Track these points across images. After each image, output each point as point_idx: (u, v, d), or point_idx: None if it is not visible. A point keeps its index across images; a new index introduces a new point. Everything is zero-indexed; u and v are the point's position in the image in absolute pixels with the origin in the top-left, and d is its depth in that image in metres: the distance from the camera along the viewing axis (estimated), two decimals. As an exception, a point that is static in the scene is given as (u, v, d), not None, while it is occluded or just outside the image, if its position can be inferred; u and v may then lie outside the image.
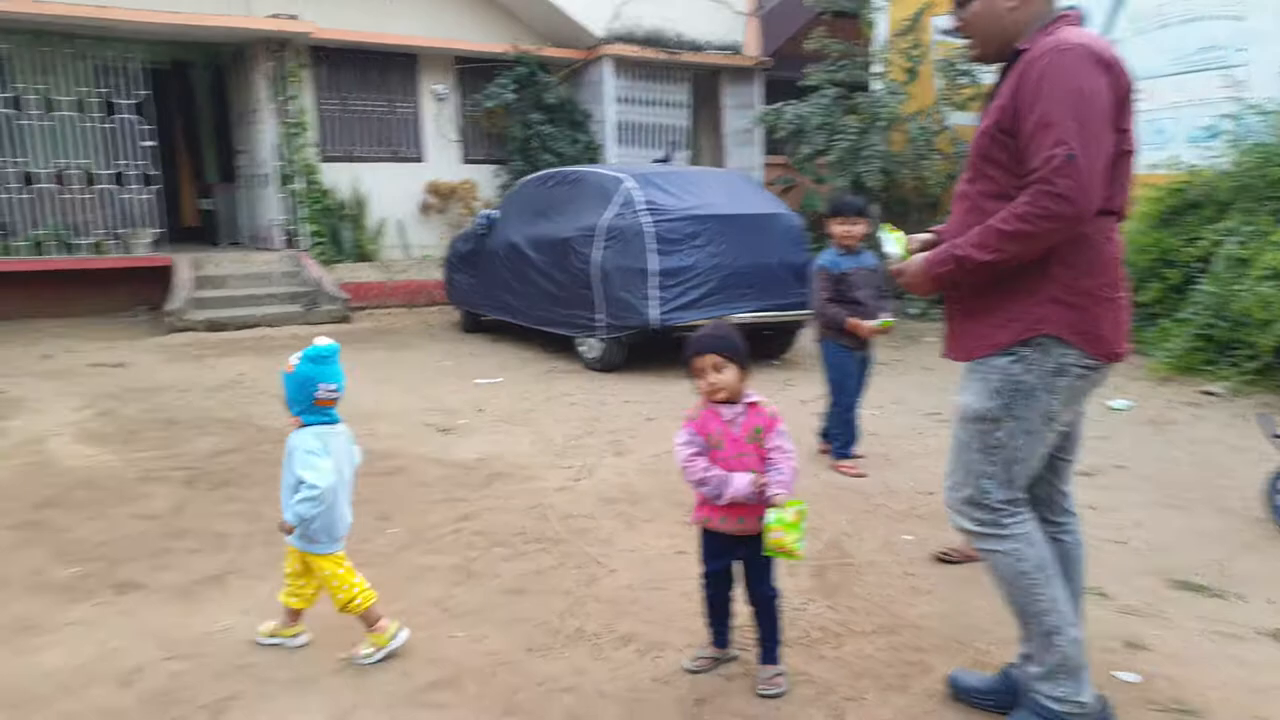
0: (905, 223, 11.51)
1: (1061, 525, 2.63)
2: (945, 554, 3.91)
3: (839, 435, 5.13)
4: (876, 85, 11.15)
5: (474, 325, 9.70)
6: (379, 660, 3.00)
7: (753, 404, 2.75)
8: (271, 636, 3.11)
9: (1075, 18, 2.38)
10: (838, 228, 4.99)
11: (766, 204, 8.00)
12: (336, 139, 11.82)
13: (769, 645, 2.90)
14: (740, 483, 2.64)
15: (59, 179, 9.94)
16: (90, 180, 10.05)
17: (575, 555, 3.93)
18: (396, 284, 11.28)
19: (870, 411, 6.34)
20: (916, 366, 8.03)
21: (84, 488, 4.70)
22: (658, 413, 6.41)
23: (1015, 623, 2.57)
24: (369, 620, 3.04)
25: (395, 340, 9.37)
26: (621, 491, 4.75)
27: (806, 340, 8.45)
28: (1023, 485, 2.47)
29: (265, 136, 11.09)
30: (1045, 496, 2.61)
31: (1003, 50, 2.42)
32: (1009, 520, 2.46)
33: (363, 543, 4.01)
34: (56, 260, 9.80)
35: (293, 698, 2.80)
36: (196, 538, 4.05)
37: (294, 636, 3.13)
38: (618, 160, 12.38)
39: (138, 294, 10.24)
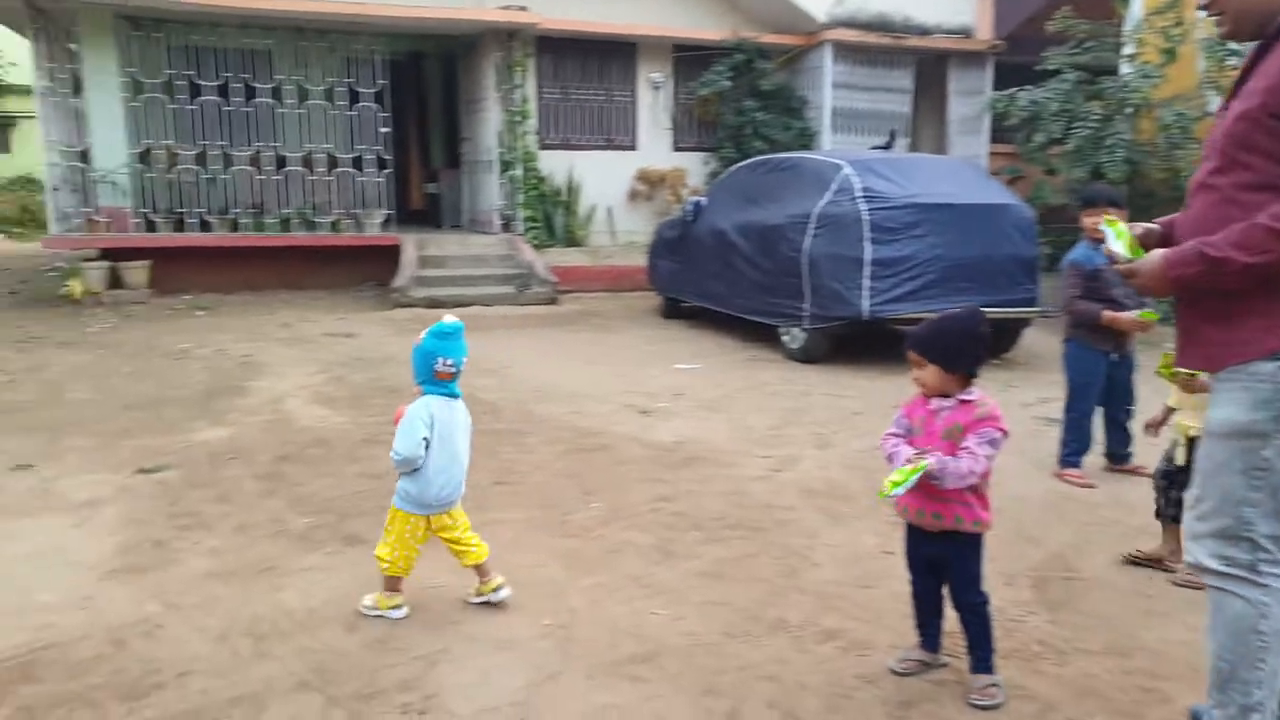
0: (1150, 217, 10.42)
1: None
2: (1135, 555, 3.66)
3: (1071, 441, 4.76)
4: (1126, 68, 10.24)
5: (674, 311, 9.75)
6: (372, 616, 3.09)
7: (965, 402, 2.63)
8: (479, 595, 3.21)
9: None
10: (1089, 220, 4.62)
11: (995, 194, 7.52)
12: (555, 127, 12.23)
13: (979, 654, 2.73)
14: (906, 453, 2.62)
15: (306, 162, 10.89)
16: (333, 164, 10.93)
17: (776, 545, 3.83)
18: (602, 269, 11.53)
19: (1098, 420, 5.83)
20: (1150, 370, 7.30)
21: (317, 446, 5.09)
22: (864, 407, 6.16)
23: (1211, 675, 2.23)
24: (386, 585, 3.14)
25: (599, 323, 9.58)
26: (825, 485, 4.60)
27: (1032, 340, 7.91)
28: None
29: (489, 124, 11.64)
30: None
31: (1261, 27, 2.13)
32: (1268, 566, 2.12)
33: (567, 514, 4.12)
34: (300, 237, 10.77)
35: (498, 656, 2.88)
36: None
37: (495, 590, 3.19)
38: (832, 148, 12.06)
39: (367, 271, 11.05)
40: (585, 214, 12.31)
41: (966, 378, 2.66)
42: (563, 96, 12.22)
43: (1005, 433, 2.61)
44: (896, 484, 2.53)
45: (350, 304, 10.37)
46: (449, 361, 3.05)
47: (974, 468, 2.54)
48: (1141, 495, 4.43)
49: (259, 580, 3.39)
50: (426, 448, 3.02)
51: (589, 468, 4.78)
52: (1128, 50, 10.35)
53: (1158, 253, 2.25)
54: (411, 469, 3.03)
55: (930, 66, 13.30)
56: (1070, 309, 4.73)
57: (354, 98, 10.81)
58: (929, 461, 2.54)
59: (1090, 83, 10.22)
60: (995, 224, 7.14)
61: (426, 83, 13.90)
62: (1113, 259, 2.39)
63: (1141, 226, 2.51)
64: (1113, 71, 10.41)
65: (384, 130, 10.95)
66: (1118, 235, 2.40)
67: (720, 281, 8.49)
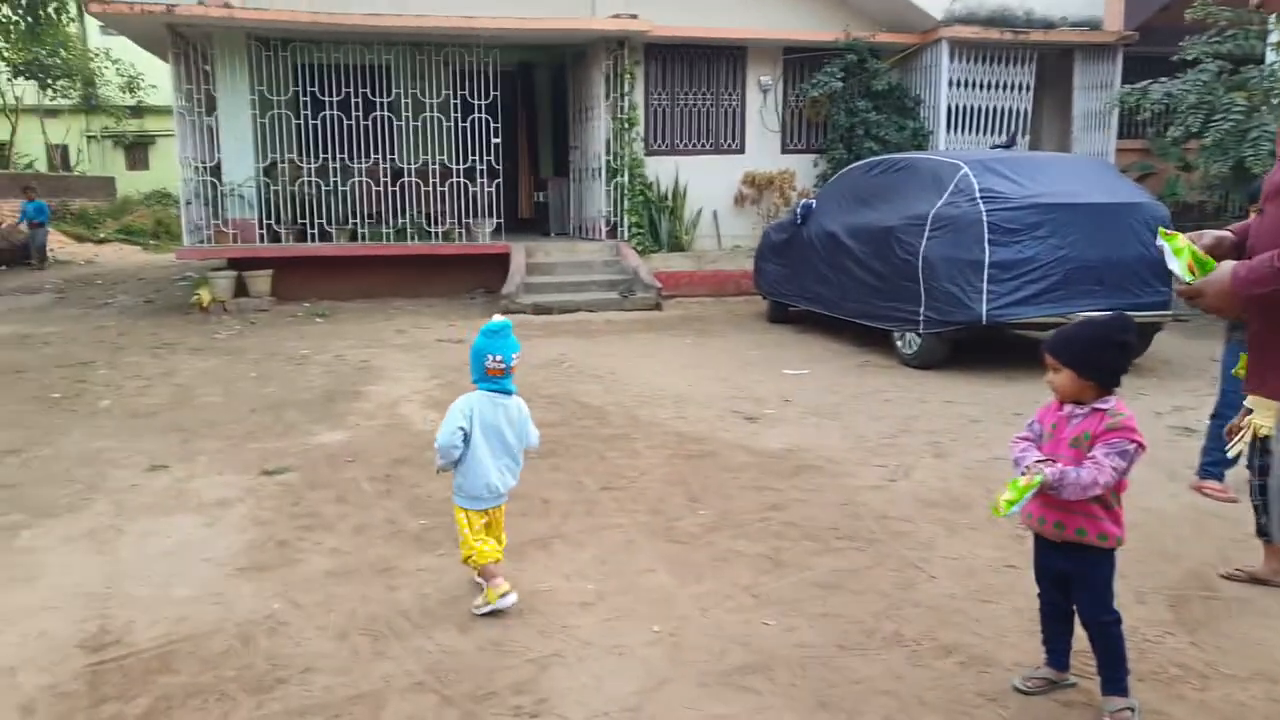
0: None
1: None
2: (1235, 573, 3.46)
3: (1213, 450, 4.43)
4: (1272, 56, 9.59)
5: (780, 316, 9.61)
6: (485, 613, 3.13)
7: (1098, 410, 2.50)
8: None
9: None
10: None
11: (1125, 192, 7.15)
12: (662, 133, 12.26)
13: (1109, 674, 2.59)
14: (1031, 458, 2.55)
15: (421, 174, 11.22)
16: (446, 174, 11.23)
17: (892, 557, 3.71)
18: (705, 274, 11.48)
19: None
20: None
21: (430, 449, 5.15)
22: (983, 415, 5.93)
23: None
24: (485, 575, 3.18)
25: (703, 328, 9.53)
26: (942, 496, 4.43)
27: (1165, 345, 7.48)
28: None
29: (598, 132, 11.75)
30: None
31: None
32: None
33: (674, 520, 4.09)
34: (414, 246, 11.11)
35: (609, 661, 2.87)
36: (524, 502, 4.31)
37: (504, 596, 3.15)
38: (947, 148, 11.70)
39: (476, 278, 11.31)
40: (690, 219, 12.28)
41: (1102, 387, 2.53)
42: (670, 102, 12.23)
43: (1141, 445, 2.46)
44: (1011, 502, 2.44)
45: (461, 311, 10.62)
46: (497, 358, 3.15)
47: (1098, 478, 2.41)
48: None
49: (376, 580, 3.47)
50: (465, 441, 3.12)
51: (695, 474, 4.74)
52: (1275, 38, 9.69)
53: (1226, 267, 2.06)
54: (450, 460, 3.16)
55: (1053, 61, 12.76)
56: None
57: (467, 109, 11.08)
58: (1046, 474, 2.43)
59: (1232, 73, 9.61)
60: (1125, 224, 6.77)
61: (536, 92, 14.15)
62: (1174, 280, 2.19)
63: (1212, 234, 2.30)
64: (1258, 60, 9.76)
65: (495, 141, 11.17)
66: (1175, 252, 2.18)
67: (830, 285, 8.33)
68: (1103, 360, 2.51)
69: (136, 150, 33.67)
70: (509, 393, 3.24)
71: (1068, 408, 2.57)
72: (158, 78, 27.07)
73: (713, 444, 5.29)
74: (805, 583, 3.47)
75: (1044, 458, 2.54)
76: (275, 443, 5.33)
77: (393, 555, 3.71)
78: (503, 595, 3.15)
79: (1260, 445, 2.74)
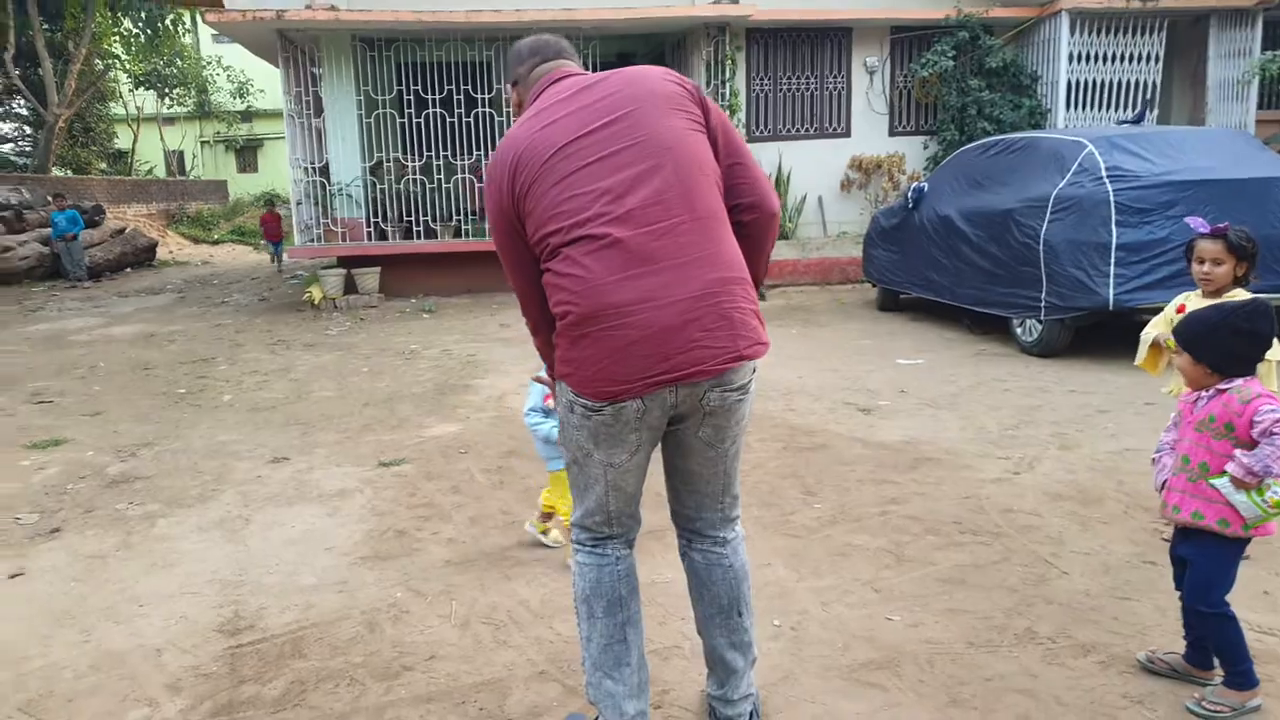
0: None
1: None
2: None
3: None
4: None
5: (891, 304, 9.35)
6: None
7: (1221, 391, 2.44)
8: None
9: None
10: None
11: (1268, 166, 6.65)
12: (764, 118, 12.07)
13: (1224, 666, 2.50)
14: (1162, 466, 2.62)
15: (523, 167, 11.28)
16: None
17: (1020, 552, 3.55)
18: (810, 261, 11.26)
19: None
20: None
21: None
22: (1110, 405, 5.63)
23: None
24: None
25: (808, 317, 9.36)
26: (1070, 489, 4.22)
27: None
28: None
29: (699, 120, 11.63)
30: None
31: None
32: None
33: (789, 514, 4.00)
34: (524, 240, 11.18)
35: (728, 654, 2.81)
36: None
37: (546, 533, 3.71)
38: (1066, 125, 11.16)
39: (584, 269, 11.37)
40: (794, 205, 12.05)
41: (1221, 374, 2.46)
42: (773, 87, 12.03)
43: (1276, 400, 2.38)
44: (1262, 515, 2.42)
45: (564, 303, 10.71)
46: None
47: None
48: None
49: (493, 569, 3.51)
50: (545, 414, 3.46)
51: (809, 467, 4.64)
52: None
53: None
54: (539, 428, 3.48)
55: (1185, 28, 12.01)
56: None
57: (566, 102, 11.13)
58: (1275, 494, 2.38)
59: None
60: (1268, 199, 6.32)
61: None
62: None
63: None
64: None
65: (599, 133, 11.20)
66: None
67: (944, 271, 8.05)
68: (1222, 346, 2.45)
69: (246, 153, 35.29)
70: None
71: (1196, 394, 2.53)
72: (266, 83, 28.32)
73: (825, 436, 5.17)
74: (929, 578, 3.35)
75: (1163, 458, 2.63)
76: (390, 435, 5.46)
77: (508, 545, 3.75)
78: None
79: None
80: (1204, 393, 2.49)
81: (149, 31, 22.25)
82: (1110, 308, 6.37)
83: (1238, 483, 2.37)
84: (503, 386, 6.65)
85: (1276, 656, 2.72)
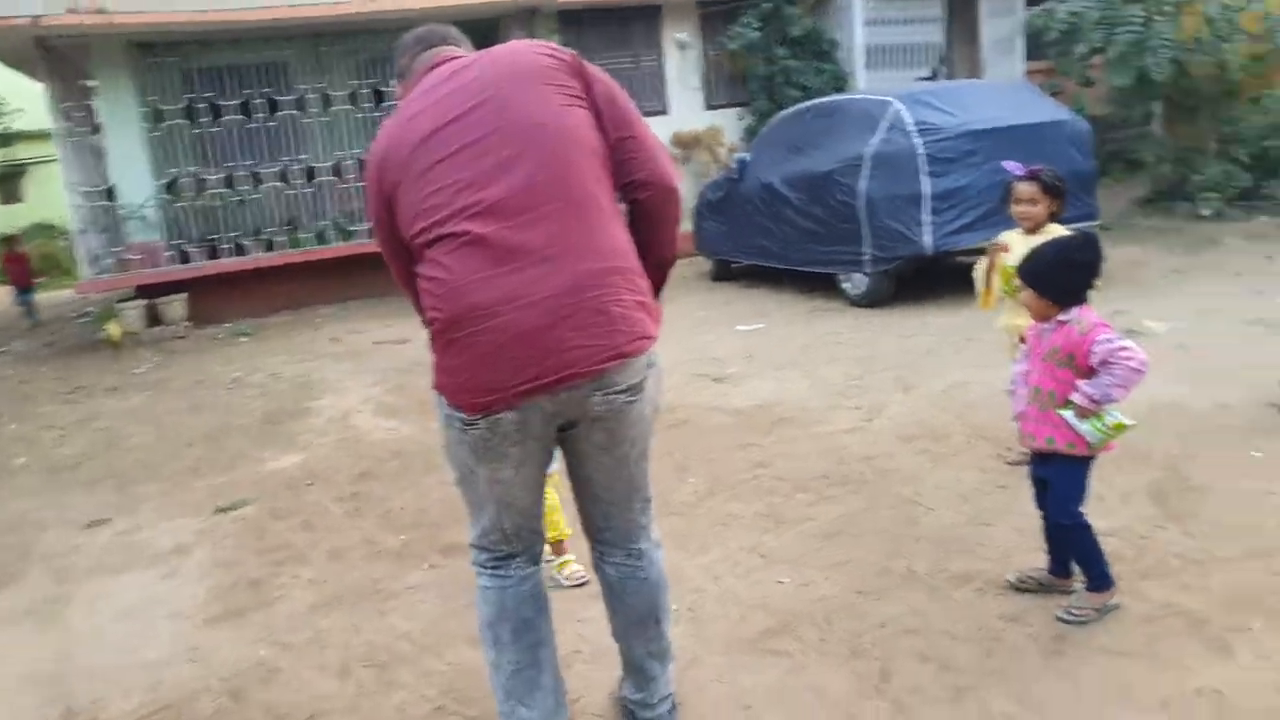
0: (1197, 115, 10.13)
1: None
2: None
3: None
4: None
5: (724, 273, 9.56)
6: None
7: (1062, 324, 2.62)
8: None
9: None
10: None
11: (1049, 112, 7.28)
12: (582, 100, 11.97)
13: (1085, 572, 2.69)
14: (1018, 397, 2.77)
15: (336, 171, 10.71)
16: (363, 168, 10.75)
17: (886, 496, 3.70)
18: (644, 240, 11.34)
19: (1178, 323, 5.65)
20: (1221, 271, 7.13)
21: (393, 459, 4.94)
22: (937, 345, 5.96)
23: None
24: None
25: (651, 294, 9.42)
26: (919, 428, 4.44)
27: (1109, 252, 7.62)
28: None
29: (517, 109, 11.43)
30: None
31: None
32: None
33: (668, 494, 3.98)
34: (337, 248, 10.52)
35: (630, 643, 2.76)
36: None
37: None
38: (866, 87, 11.71)
39: (410, 272, 10.91)
40: (620, 186, 12.07)
41: (1061, 305, 2.63)
42: (587, 70, 11.98)
43: (1110, 328, 2.59)
44: (1098, 436, 2.58)
45: (396, 310, 10.19)
46: None
47: (1129, 366, 2.48)
48: (1241, 395, 4.32)
49: (365, 605, 3.27)
50: None
51: (676, 443, 4.64)
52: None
53: None
54: None
55: (960, -10, 12.84)
56: None
57: (379, 98, 10.65)
58: (1113, 418, 2.55)
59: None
60: (1052, 142, 6.87)
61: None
62: None
63: None
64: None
65: (409, 127, 10.78)
66: None
67: (772, 237, 8.28)
68: (1059, 279, 2.64)
69: (8, 182, 31.65)
70: None
71: (1041, 325, 2.70)
72: (25, 100, 25.43)
73: (685, 411, 5.19)
74: (808, 535, 3.43)
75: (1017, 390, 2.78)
76: (223, 476, 4.97)
77: (378, 576, 3.49)
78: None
79: None
80: (1047, 325, 2.65)
81: None
82: (929, 253, 6.75)
83: (1081, 411, 2.52)
84: (344, 405, 6.26)
85: (1120, 555, 2.93)
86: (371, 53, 10.65)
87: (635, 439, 2.05)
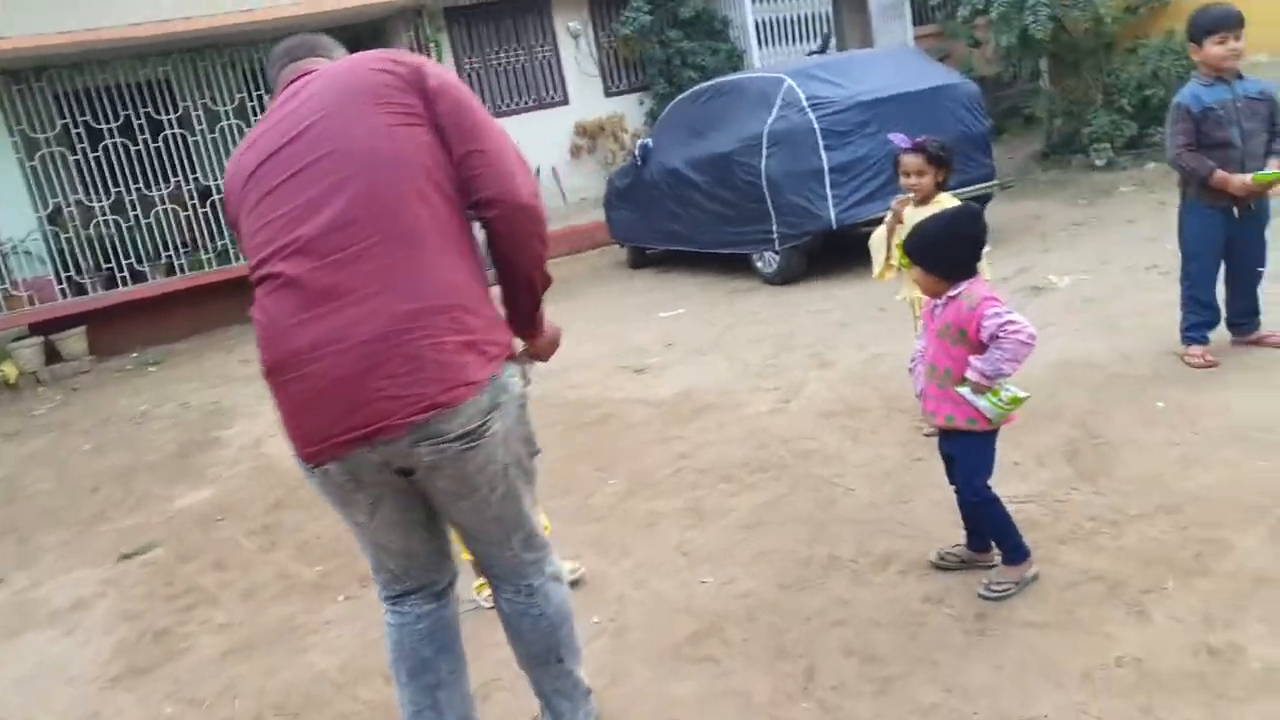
0: (1080, 69, 10.41)
1: None
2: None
3: (1190, 314, 4.15)
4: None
5: (641, 260, 9.50)
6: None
7: (951, 299, 2.61)
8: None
9: None
10: (1215, 48, 3.87)
11: (938, 76, 7.34)
12: (483, 97, 11.59)
13: (1000, 547, 2.72)
14: (917, 375, 2.78)
15: (232, 188, 10.33)
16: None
17: (806, 479, 3.70)
18: (558, 233, 11.15)
19: (1080, 275, 5.79)
20: (1117, 219, 7.30)
21: (305, 486, 4.76)
22: (851, 318, 6.01)
23: None
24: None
25: (568, 289, 9.29)
26: (837, 405, 4.46)
27: (997, 212, 7.77)
28: None
29: (411, 108, 11.17)
30: None
31: None
32: None
33: (588, 497, 3.94)
34: (240, 267, 10.12)
35: (554, 663, 2.70)
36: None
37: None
38: (761, 64, 11.74)
39: (322, 284, 10.58)
40: (529, 180, 11.91)
41: (950, 280, 2.62)
42: (484, 64, 11.74)
43: (1005, 304, 2.57)
44: (996, 410, 2.58)
45: (309, 323, 9.97)
46: None
47: (1018, 340, 2.46)
48: (1142, 343, 4.42)
49: (280, 647, 3.15)
50: None
51: (598, 441, 4.60)
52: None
53: None
54: None
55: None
56: (1178, 162, 4.02)
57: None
58: (1008, 391, 2.56)
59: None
60: (943, 106, 6.96)
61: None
62: None
63: None
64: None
65: (304, 138, 10.41)
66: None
67: (682, 221, 8.23)
68: (944, 254, 2.62)
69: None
70: None
71: (934, 301, 2.69)
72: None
73: (607, 405, 5.15)
74: (731, 527, 3.41)
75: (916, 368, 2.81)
76: (129, 519, 4.74)
77: (293, 613, 3.37)
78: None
79: None
80: (939, 300, 2.64)
81: None
82: (834, 227, 6.79)
83: (976, 387, 2.53)
84: (255, 431, 6.03)
85: (1036, 522, 2.98)
86: (253, 63, 10.27)
87: (491, 483, 1.90)
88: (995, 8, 9.60)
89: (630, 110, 12.19)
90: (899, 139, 3.69)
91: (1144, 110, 9.21)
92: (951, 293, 2.59)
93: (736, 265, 7.96)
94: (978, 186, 7.05)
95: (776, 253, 7.23)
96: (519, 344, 2.60)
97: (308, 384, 1.73)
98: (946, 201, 3.65)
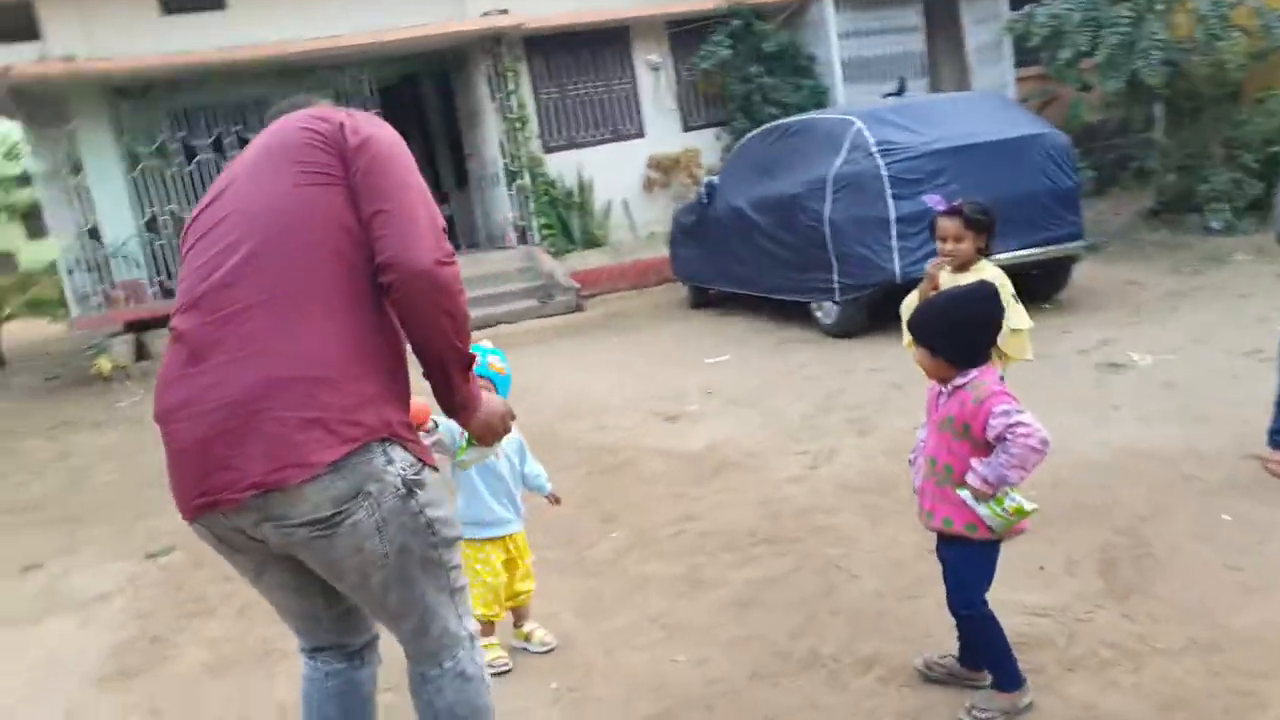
0: (1200, 119, 9.75)
1: None
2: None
3: None
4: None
5: (702, 300, 9.33)
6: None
7: (957, 389, 2.32)
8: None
9: None
10: None
11: (1023, 125, 6.96)
12: (557, 128, 11.85)
13: (990, 669, 2.42)
14: (917, 468, 2.51)
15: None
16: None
17: (812, 558, 3.46)
18: (624, 266, 11.15)
19: (1167, 355, 5.31)
20: (1226, 292, 6.70)
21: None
22: (905, 380, 5.64)
23: None
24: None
25: (625, 324, 9.21)
26: (867, 478, 4.18)
27: (1086, 275, 7.32)
28: None
29: (490, 136, 11.34)
30: None
31: None
32: None
33: (586, 549, 3.82)
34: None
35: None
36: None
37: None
38: (846, 102, 11.48)
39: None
40: (601, 211, 11.87)
41: (957, 366, 2.36)
42: (560, 94, 11.82)
43: (1015, 402, 2.26)
44: (997, 519, 2.30)
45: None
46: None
47: (1020, 449, 2.17)
48: (1222, 442, 3.95)
49: (257, 668, 3.15)
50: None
51: (610, 490, 4.46)
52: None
53: None
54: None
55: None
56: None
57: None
58: (1013, 501, 2.26)
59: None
60: (1027, 158, 6.59)
61: (425, 105, 13.63)
62: None
63: None
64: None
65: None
66: None
67: (743, 263, 8.05)
68: (951, 336, 2.35)
69: (35, 218, 32.23)
70: None
71: (939, 386, 2.42)
72: (42, 142, 25.89)
73: (630, 452, 5.01)
74: (721, 603, 3.20)
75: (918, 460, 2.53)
76: (163, 519, 4.79)
77: (276, 636, 3.29)
78: (493, 661, 2.78)
79: None
80: (944, 388, 2.39)
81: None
82: (899, 280, 6.46)
83: (978, 494, 2.27)
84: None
85: (1050, 640, 2.67)
86: (339, 86, 10.60)
87: (362, 570, 1.73)
88: (1102, 50, 9.08)
89: (707, 145, 12.08)
90: (934, 200, 3.43)
91: (1271, 169, 8.48)
92: (959, 381, 2.33)
93: (795, 313, 7.71)
94: (1065, 247, 6.66)
95: (836, 303, 6.96)
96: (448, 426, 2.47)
97: (173, 442, 1.71)
98: (987, 270, 3.38)
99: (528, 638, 3.05)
